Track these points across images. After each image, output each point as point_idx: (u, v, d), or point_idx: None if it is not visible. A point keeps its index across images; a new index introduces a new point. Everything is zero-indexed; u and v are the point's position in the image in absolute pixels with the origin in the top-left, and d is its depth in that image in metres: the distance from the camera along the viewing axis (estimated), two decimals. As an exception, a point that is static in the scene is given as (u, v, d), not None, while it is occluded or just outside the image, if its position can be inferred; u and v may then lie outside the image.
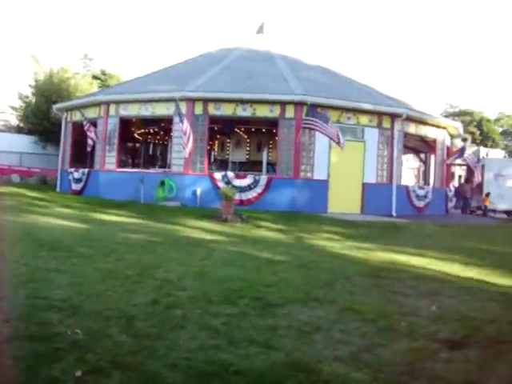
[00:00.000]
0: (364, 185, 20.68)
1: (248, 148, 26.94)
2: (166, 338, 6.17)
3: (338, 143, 18.43)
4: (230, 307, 7.46)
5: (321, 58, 26.83)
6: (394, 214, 20.66)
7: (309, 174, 20.03)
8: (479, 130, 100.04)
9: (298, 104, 19.56)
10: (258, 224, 15.91)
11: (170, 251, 11.23)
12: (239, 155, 26.63)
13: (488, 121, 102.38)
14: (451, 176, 47.60)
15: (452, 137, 27.50)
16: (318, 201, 19.77)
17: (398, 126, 21.15)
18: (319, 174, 20.01)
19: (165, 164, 26.35)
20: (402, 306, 8.21)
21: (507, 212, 28.42)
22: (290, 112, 19.93)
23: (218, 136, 26.95)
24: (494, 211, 28.82)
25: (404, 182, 26.41)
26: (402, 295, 8.85)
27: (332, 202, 19.96)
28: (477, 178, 26.76)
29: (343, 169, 20.16)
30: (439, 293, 9.13)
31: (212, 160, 26.36)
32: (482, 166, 27.74)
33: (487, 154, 38.15)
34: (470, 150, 28.47)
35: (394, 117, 21.02)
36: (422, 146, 26.27)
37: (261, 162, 22.97)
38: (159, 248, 11.54)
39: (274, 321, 6.97)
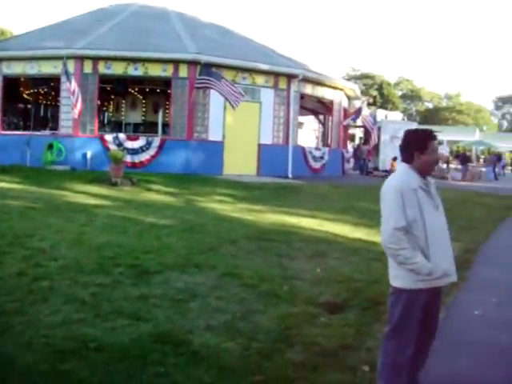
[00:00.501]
0: (260, 146, 20.43)
1: (144, 109, 26.00)
2: (27, 314, 5.65)
3: (232, 104, 17.98)
4: (103, 276, 6.99)
5: (219, 17, 26.20)
6: (290, 175, 20.59)
7: (203, 136, 19.54)
8: (380, 94, 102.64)
9: (192, 63, 18.88)
10: (149, 187, 15.35)
11: (48, 218, 10.54)
12: (135, 116, 25.67)
13: (388, 84, 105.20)
14: (351, 138, 48.51)
15: (350, 98, 27.70)
16: (214, 163, 19.35)
17: (294, 86, 20.93)
18: (214, 136, 19.55)
19: (56, 126, 25.02)
20: (287, 269, 8.03)
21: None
22: (183, 71, 19.24)
23: (113, 96, 25.81)
24: (390, 172, 29.43)
25: (305, 144, 26.49)
26: (288, 258, 8.67)
27: (228, 164, 19.59)
28: (373, 140, 27.19)
29: (239, 130, 19.78)
30: (326, 254, 9.02)
31: (106, 122, 25.32)
32: (379, 128, 28.17)
33: (386, 117, 38.93)
34: (368, 111, 28.75)
35: (290, 77, 20.76)
36: (320, 108, 26.31)
37: (157, 124, 22.24)
38: (38, 215, 10.80)
39: (148, 290, 6.57)
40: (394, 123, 30.47)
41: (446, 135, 69.48)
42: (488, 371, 5.08)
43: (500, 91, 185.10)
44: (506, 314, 6.73)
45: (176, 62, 19.14)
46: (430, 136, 4.13)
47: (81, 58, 19.22)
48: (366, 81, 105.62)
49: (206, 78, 17.85)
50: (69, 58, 18.91)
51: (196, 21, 24.03)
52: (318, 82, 22.42)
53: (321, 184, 18.94)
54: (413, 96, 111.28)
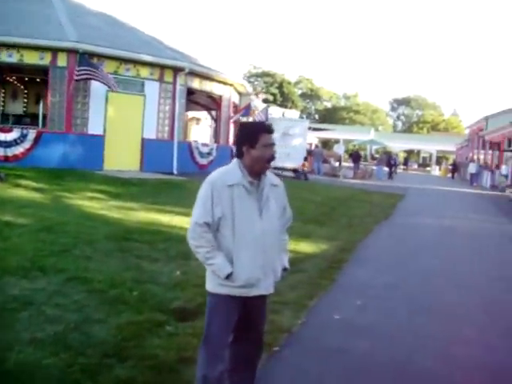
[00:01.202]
0: (143, 141, 19.61)
1: (25, 100, 24.60)
2: None
3: (111, 86, 17.23)
4: None
5: (107, 6, 24.95)
6: (175, 171, 19.95)
7: (83, 129, 18.51)
8: (280, 92, 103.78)
9: (72, 52, 17.72)
10: (18, 183, 14.26)
11: None
12: (15, 107, 24.23)
13: (289, 83, 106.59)
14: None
15: (241, 95, 27.37)
16: (94, 157, 18.36)
17: (180, 80, 20.25)
18: (94, 129, 18.53)
19: None
20: (143, 272, 7.46)
21: (294, 170, 29.14)
22: (62, 60, 18.07)
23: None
24: (282, 169, 29.38)
25: (201, 140, 25.88)
26: (148, 260, 8.11)
27: (109, 159, 18.66)
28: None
29: (121, 123, 18.89)
30: (190, 256, 8.49)
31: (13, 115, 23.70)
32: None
33: (283, 114, 38.96)
34: (260, 108, 28.52)
35: (176, 70, 20.04)
36: (212, 104, 25.78)
37: (38, 116, 21.00)
38: None
39: (-27, 299, 5.82)
40: (284, 120, 30.38)
41: (342, 134, 71.40)
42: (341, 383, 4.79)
43: (395, 93, 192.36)
44: (366, 318, 6.51)
45: (54, 50, 17.97)
46: (262, 129, 3.69)
47: None
48: (266, 79, 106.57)
49: (86, 68, 16.92)
50: None
51: (81, 7, 22.72)
52: (206, 77, 21.86)
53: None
54: (312, 95, 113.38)
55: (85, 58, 17.12)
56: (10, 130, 17.93)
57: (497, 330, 6.47)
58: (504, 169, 34.75)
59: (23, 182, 14.51)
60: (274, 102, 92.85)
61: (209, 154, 22.17)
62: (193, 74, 20.93)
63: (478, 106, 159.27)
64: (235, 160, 3.68)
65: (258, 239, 3.56)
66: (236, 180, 3.54)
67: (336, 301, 7.13)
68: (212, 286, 3.66)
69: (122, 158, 18.92)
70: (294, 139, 28.91)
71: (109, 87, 17.58)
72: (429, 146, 76.20)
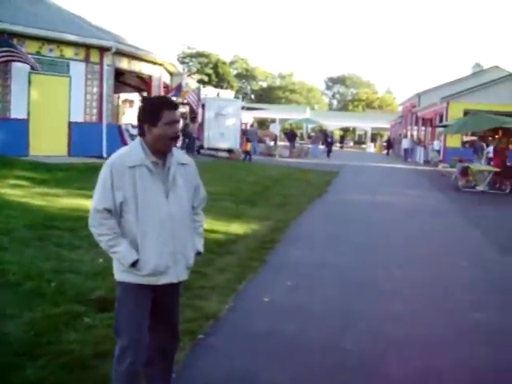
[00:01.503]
0: (70, 124, 18.86)
1: None
2: None
3: (34, 66, 16.52)
4: None
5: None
6: (104, 154, 19.22)
7: (5, 113, 17.62)
8: (215, 72, 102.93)
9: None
10: None
11: None
12: None
13: (224, 63, 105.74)
14: (183, 116, 47.66)
15: (172, 75, 26.76)
16: (18, 143, 17.51)
17: (107, 60, 19.50)
18: (17, 113, 17.64)
19: None
20: (63, 261, 7.06)
21: (229, 150, 28.86)
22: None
23: None
24: (217, 150, 29.09)
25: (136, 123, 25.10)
26: (69, 248, 7.70)
27: (34, 144, 17.86)
28: (199, 118, 26.62)
29: (46, 107, 18.08)
30: None
31: None
32: (203, 106, 27.57)
33: (218, 95, 38.49)
34: (192, 88, 27.94)
35: (103, 50, 19.30)
36: (142, 85, 25.08)
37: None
38: None
39: None
40: (218, 100, 29.94)
41: (278, 113, 71.38)
42: (269, 368, 4.56)
43: (330, 72, 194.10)
44: (296, 299, 6.34)
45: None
46: (164, 106, 3.35)
47: None
48: (201, 59, 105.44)
49: (6, 49, 16.06)
50: None
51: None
52: (134, 56, 21.14)
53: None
54: (247, 75, 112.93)
55: (3, 39, 16.23)
56: None
57: (430, 306, 6.41)
58: (436, 144, 35.41)
59: None
60: (210, 82, 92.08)
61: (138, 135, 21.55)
62: (120, 53, 20.23)
63: (412, 84, 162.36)
64: (137, 139, 3.39)
65: (165, 223, 3.27)
66: (137, 161, 3.24)
67: (266, 282, 6.93)
68: (119, 274, 3.37)
69: (48, 143, 18.16)
70: (227, 119, 28.56)
71: (32, 68, 16.77)
72: (364, 123, 77.18)
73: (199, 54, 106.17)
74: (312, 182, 19.01)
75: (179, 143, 33.84)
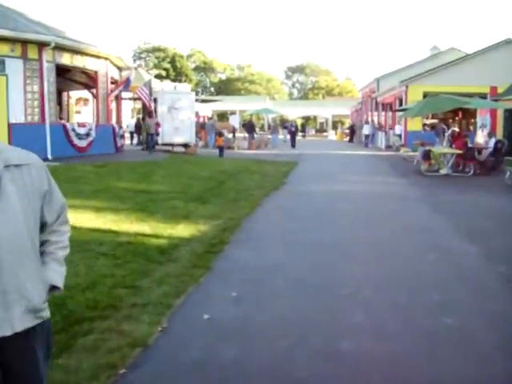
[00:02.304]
0: (10, 126, 17.64)
1: None
2: None
3: None
4: None
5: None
6: (49, 156, 18.18)
7: None
8: (173, 66, 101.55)
9: None
10: None
11: None
12: None
13: (181, 57, 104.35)
14: (138, 111, 46.52)
15: (121, 69, 25.64)
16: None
17: (47, 56, 18.36)
18: (-51, 116, 16.55)
19: None
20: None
21: (184, 145, 27.87)
22: None
23: None
24: (172, 145, 28.09)
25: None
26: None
27: (-29, 149, 16.71)
28: (152, 112, 25.58)
29: (-18, 109, 16.96)
30: None
31: None
32: (155, 100, 26.51)
33: (175, 88, 37.38)
34: (142, 82, 26.81)
35: (41, 46, 18.15)
36: (91, 81, 23.93)
37: None
38: None
39: None
40: (170, 94, 28.81)
41: (238, 105, 70.51)
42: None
43: (289, 61, 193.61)
44: (240, 313, 5.53)
45: None
46: None
47: None
48: (158, 54, 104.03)
49: None
50: None
51: None
52: (76, 51, 19.99)
53: (81, 164, 16.89)
54: (206, 68, 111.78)
55: None
56: None
57: (394, 313, 5.65)
58: (397, 129, 34.99)
59: None
60: (167, 76, 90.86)
61: (87, 134, 20.46)
62: (61, 48, 19.07)
63: (371, 69, 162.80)
64: None
65: None
66: None
67: (208, 295, 6.08)
68: None
69: (-14, 147, 16.97)
70: (181, 113, 27.53)
71: None
72: (324, 111, 76.63)
73: (155, 49, 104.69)
74: (269, 173, 18.21)
75: (135, 140, 32.77)
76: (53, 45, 18.12)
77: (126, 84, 23.16)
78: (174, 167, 18.50)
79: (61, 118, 27.83)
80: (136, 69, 26.69)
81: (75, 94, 32.80)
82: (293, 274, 6.85)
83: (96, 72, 21.71)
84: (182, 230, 8.97)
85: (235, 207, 11.47)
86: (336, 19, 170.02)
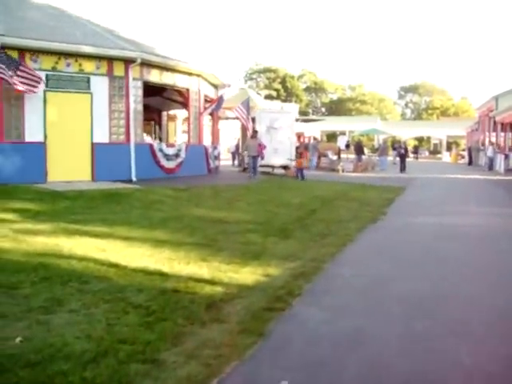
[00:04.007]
0: (94, 145, 16.93)
1: None
2: None
3: (25, 91, 14.76)
4: None
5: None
6: (133, 178, 17.23)
7: (19, 136, 15.85)
8: (283, 87, 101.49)
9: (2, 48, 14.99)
10: None
11: None
12: None
13: (291, 77, 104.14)
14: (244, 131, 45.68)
15: (217, 87, 24.60)
16: (33, 169, 15.71)
17: (134, 73, 17.50)
18: (32, 136, 15.86)
19: None
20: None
21: (284, 167, 26.35)
22: (-13, 57, 15.49)
23: None
24: (272, 167, 26.67)
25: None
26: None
27: (53, 170, 15.99)
28: (248, 131, 24.24)
29: (65, 128, 16.22)
30: (63, 303, 5.88)
31: None
32: (253, 119, 25.16)
33: (282, 108, 36.15)
34: (241, 101, 25.55)
35: (128, 62, 17.32)
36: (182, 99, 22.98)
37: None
38: None
39: None
40: (269, 113, 27.34)
41: (347, 125, 68.51)
42: None
43: (402, 81, 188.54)
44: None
45: (-23, 48, 15.39)
46: None
47: None
48: (269, 74, 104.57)
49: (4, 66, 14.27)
50: None
51: (22, 2, 19.90)
52: (166, 68, 19.07)
53: (162, 188, 15.69)
54: (316, 88, 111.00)
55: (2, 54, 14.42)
56: None
57: None
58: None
59: None
60: (278, 97, 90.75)
61: (176, 155, 19.40)
62: (149, 65, 18.19)
63: (488, 88, 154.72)
64: None
65: None
66: None
67: (248, 381, 4.36)
68: None
69: (69, 168, 16.29)
70: (280, 133, 26.00)
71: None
72: (438, 131, 72.87)
73: (267, 70, 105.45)
74: (370, 201, 16.14)
75: (235, 161, 31.59)
76: (139, 61, 17.25)
77: (219, 102, 21.99)
78: (265, 192, 16.93)
79: (160, 139, 27.24)
80: (229, 86, 25.40)
81: (182, 114, 32.06)
82: (378, 355, 4.94)
83: (187, 89, 20.69)
84: (247, 275, 7.28)
85: (321, 244, 9.63)
86: (453, 37, 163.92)
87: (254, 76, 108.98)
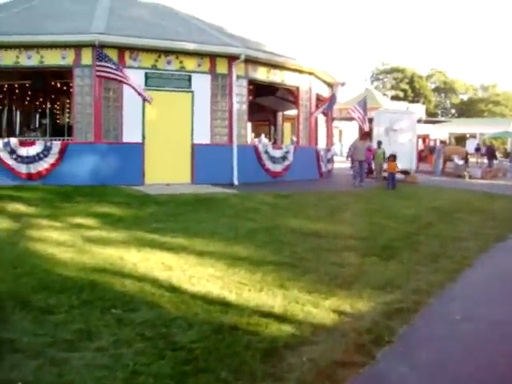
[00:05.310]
0: (194, 146, 16.11)
1: (49, 107, 22.50)
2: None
3: (145, 98, 14.12)
4: None
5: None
6: (235, 181, 16.24)
7: (117, 137, 15.36)
8: (411, 87, 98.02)
9: (100, 47, 14.56)
10: (6, 209, 11.32)
11: None
12: (39, 117, 22.44)
13: (420, 77, 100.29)
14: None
15: (331, 86, 23.13)
16: (131, 170, 15.16)
17: (238, 70, 16.48)
18: (131, 136, 15.31)
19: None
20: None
21: (404, 172, 24.37)
22: (87, 57, 15.08)
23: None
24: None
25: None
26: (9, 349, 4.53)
27: (151, 171, 15.37)
28: (365, 135, 22.57)
29: (165, 128, 15.54)
30: (97, 336, 4.85)
31: (36, 126, 21.68)
32: (370, 120, 23.43)
33: (408, 109, 34.10)
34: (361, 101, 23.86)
35: (231, 59, 16.35)
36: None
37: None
38: None
39: None
40: (389, 113, 25.40)
41: (478, 128, 64.26)
42: None
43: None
44: None
45: (78, 46, 15.06)
46: None
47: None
48: (396, 75, 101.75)
49: (106, 65, 13.73)
50: None
51: (132, 2, 19.51)
52: (273, 65, 17.89)
53: (262, 193, 14.55)
54: (446, 88, 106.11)
55: (98, 53, 13.89)
56: (32, 144, 15.21)
57: None
58: None
59: (15, 205, 11.55)
60: (405, 98, 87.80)
61: (283, 158, 18.19)
62: (255, 62, 17.13)
63: None
64: None
65: None
66: None
67: None
68: None
69: (167, 169, 15.61)
70: (400, 135, 24.07)
71: (143, 98, 14.36)
72: None
73: (394, 70, 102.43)
74: (496, 214, 14.05)
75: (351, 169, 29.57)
76: (243, 58, 16.22)
77: (331, 102, 20.50)
78: (375, 201, 15.30)
79: (275, 140, 26.22)
80: (342, 85, 23.76)
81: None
82: None
83: (297, 88, 19.42)
84: (328, 310, 5.89)
85: (430, 269, 7.97)
86: None
87: (381, 76, 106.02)
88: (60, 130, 20.10)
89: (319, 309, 5.90)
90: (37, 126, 22.17)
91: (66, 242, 8.41)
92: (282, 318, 5.58)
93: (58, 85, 20.07)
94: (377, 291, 6.67)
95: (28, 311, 5.41)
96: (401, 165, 23.94)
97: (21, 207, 11.42)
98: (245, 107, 17.19)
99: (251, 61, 16.93)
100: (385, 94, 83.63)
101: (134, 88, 13.80)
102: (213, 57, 16.23)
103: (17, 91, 21.59)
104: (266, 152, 17.64)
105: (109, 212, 11.16)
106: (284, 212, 12.31)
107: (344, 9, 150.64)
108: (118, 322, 5.25)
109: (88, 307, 5.60)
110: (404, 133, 24.19)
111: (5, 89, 20.73)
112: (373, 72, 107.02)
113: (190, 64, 16.02)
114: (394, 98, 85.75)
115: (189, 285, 6.47)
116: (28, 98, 22.54)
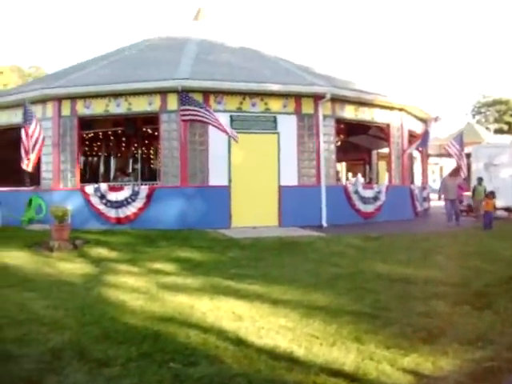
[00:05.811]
0: (281, 188, 15.83)
1: (138, 153, 22.99)
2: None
3: (232, 137, 14.08)
4: None
5: (264, 43, 21.63)
6: (324, 223, 15.77)
7: (203, 181, 15.37)
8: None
9: (184, 92, 14.77)
10: (89, 252, 11.53)
11: None
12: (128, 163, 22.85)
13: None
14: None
15: (425, 121, 22.28)
16: (218, 213, 15.08)
17: (324, 109, 16.17)
18: (217, 179, 15.28)
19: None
20: None
21: (507, 209, 22.92)
22: (172, 103, 15.35)
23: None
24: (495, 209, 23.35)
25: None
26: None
27: (237, 214, 15.22)
28: (462, 171, 21.43)
29: (251, 170, 15.40)
30: None
31: (130, 171, 22.27)
32: (468, 155, 22.28)
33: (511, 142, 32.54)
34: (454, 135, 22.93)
35: (317, 98, 16.07)
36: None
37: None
38: None
39: None
40: (488, 148, 24.12)
41: None
42: None
43: None
44: None
45: (164, 92, 15.35)
46: None
47: (58, 99, 16.05)
48: (498, 107, 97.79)
49: (189, 108, 13.86)
50: (46, 99, 16.00)
51: (219, 46, 19.68)
52: (361, 102, 17.44)
53: (351, 236, 13.95)
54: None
55: (183, 97, 14.04)
56: (120, 188, 15.55)
57: None
58: None
59: (98, 250, 11.74)
60: (510, 130, 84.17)
61: (375, 198, 17.54)
62: (342, 100, 16.77)
63: None
64: None
65: None
66: None
67: None
68: None
69: (254, 212, 15.43)
70: (501, 170, 22.73)
71: (230, 137, 14.37)
72: None
73: (496, 102, 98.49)
74: None
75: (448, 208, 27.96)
76: (328, 97, 15.94)
77: (424, 138, 19.68)
78: (471, 242, 14.29)
79: (370, 180, 25.57)
80: (436, 120, 22.83)
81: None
82: None
83: (388, 125, 18.82)
84: (405, 370, 5.30)
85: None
86: None
87: (483, 110, 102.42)
88: (153, 174, 20.53)
89: (395, 367, 5.31)
90: (130, 170, 22.75)
91: (139, 289, 8.28)
92: (351, 377, 5.05)
93: (149, 130, 20.52)
94: (465, 346, 5.97)
95: (85, 362, 5.21)
96: (503, 201, 22.56)
97: (103, 251, 11.53)
98: (333, 147, 16.79)
99: (338, 99, 16.61)
100: (487, 128, 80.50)
101: (218, 126, 13.77)
102: (298, 97, 16.06)
103: (111, 138, 22.37)
104: (356, 192, 17.09)
105: (189, 257, 11.02)
106: (372, 256, 11.69)
107: (440, 42, 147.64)
108: (174, 378, 4.93)
109: (146, 360, 5.33)
110: (505, 167, 22.82)
111: (100, 136, 21.53)
112: (474, 105, 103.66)
113: (275, 105, 15.92)
114: (498, 131, 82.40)
115: (256, 337, 6.07)
116: (123, 145, 23.30)
